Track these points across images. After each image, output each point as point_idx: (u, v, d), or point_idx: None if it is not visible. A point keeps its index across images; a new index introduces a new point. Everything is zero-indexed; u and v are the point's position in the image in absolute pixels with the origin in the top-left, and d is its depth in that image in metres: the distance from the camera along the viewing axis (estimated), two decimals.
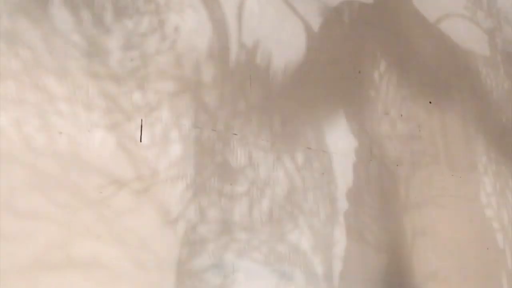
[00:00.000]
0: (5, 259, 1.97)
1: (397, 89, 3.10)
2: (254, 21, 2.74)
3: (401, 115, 3.07)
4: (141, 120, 2.35)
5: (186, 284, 2.29)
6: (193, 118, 2.47)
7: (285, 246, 2.54)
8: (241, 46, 2.67)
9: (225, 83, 2.59)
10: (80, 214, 2.13)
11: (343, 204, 2.74)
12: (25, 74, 2.15)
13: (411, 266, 2.87)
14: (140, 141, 2.33)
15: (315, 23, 2.93)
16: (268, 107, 2.67)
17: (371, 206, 2.83)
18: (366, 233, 2.78)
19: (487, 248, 3.15)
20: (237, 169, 2.52)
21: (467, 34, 3.51)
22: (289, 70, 2.77)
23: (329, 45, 2.94)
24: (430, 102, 3.20)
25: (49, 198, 2.09)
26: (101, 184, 2.20)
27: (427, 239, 2.95)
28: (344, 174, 2.79)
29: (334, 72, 2.91)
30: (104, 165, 2.22)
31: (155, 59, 2.43)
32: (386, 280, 2.78)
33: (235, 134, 2.55)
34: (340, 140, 2.82)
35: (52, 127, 2.15)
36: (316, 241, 2.61)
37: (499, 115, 3.49)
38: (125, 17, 2.40)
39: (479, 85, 3.45)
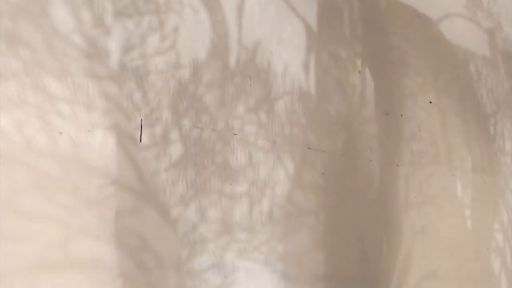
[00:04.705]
0: (6, 259, 1.97)
1: (397, 89, 3.11)
2: (254, 21, 2.74)
3: (401, 115, 3.07)
4: (141, 120, 2.35)
5: (186, 284, 2.30)
6: (193, 118, 2.47)
7: (285, 246, 2.54)
8: (241, 46, 2.67)
9: (225, 83, 2.59)
10: (80, 214, 2.14)
11: (343, 204, 2.74)
12: (26, 75, 2.15)
13: (411, 265, 2.88)
14: (140, 141, 2.33)
15: (315, 23, 2.93)
16: (268, 107, 2.67)
17: (371, 206, 2.84)
18: (366, 233, 2.78)
19: (487, 248, 3.15)
20: (237, 169, 2.52)
21: (467, 34, 3.51)
22: (289, 70, 2.78)
23: (329, 45, 2.94)
24: (430, 102, 3.20)
25: (50, 198, 2.09)
26: (101, 184, 2.20)
27: (426, 238, 2.95)
28: (344, 174, 2.79)
29: (334, 72, 2.92)
30: (104, 165, 2.22)
31: (155, 59, 2.44)
32: (386, 280, 2.78)
33: (235, 134, 2.56)
34: (339, 140, 2.83)
35: (52, 128, 2.16)
36: (316, 241, 2.62)
37: (499, 115, 3.49)
38: (125, 17, 2.40)
39: (479, 85, 3.46)
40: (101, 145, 2.23)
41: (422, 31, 3.33)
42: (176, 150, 2.40)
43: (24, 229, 2.04)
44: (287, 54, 2.79)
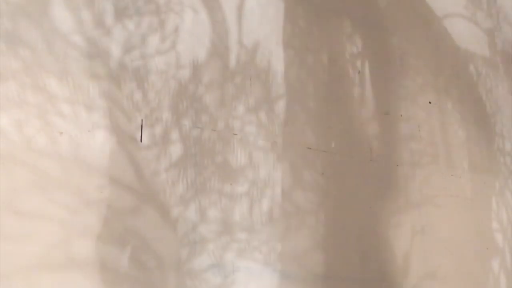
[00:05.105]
0: (6, 259, 1.98)
1: (397, 89, 3.11)
2: (254, 21, 2.74)
3: (401, 115, 3.07)
4: (142, 120, 2.35)
5: (186, 284, 2.30)
6: (193, 118, 2.47)
7: (285, 246, 2.54)
8: (241, 46, 2.67)
9: (225, 83, 2.59)
10: (80, 214, 2.14)
11: (343, 204, 2.74)
12: (26, 75, 2.15)
13: (411, 265, 2.88)
14: (141, 141, 2.33)
15: (315, 23, 2.93)
16: (268, 107, 2.67)
17: (371, 206, 2.84)
18: (366, 233, 2.78)
19: (487, 248, 3.15)
20: (237, 169, 2.52)
21: (467, 34, 3.51)
22: (289, 70, 2.78)
23: (329, 45, 2.94)
24: (430, 102, 3.20)
25: (50, 198, 2.09)
26: (101, 184, 2.20)
27: (426, 238, 2.95)
28: (344, 174, 2.79)
29: (334, 72, 2.92)
30: (104, 165, 2.22)
31: (155, 59, 2.44)
32: (386, 280, 2.78)
33: (235, 134, 2.56)
34: (339, 140, 2.83)
35: (52, 128, 2.16)
36: (316, 241, 2.62)
37: (499, 115, 3.50)
38: (125, 18, 2.40)
39: (478, 85, 3.46)
40: (101, 145, 2.23)
41: (422, 31, 3.33)
42: (176, 150, 2.40)
43: (24, 229, 2.04)
44: (287, 54, 2.79)
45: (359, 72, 3.00)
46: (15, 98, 2.11)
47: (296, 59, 2.81)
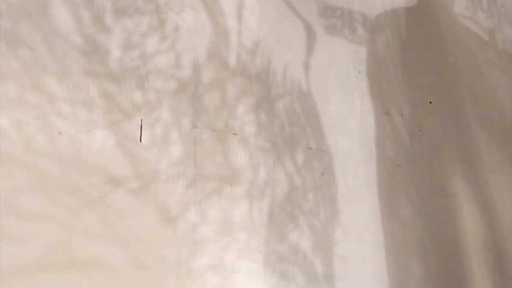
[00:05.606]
0: (6, 259, 1.98)
1: (397, 89, 3.11)
2: (254, 21, 2.74)
3: (401, 115, 3.07)
4: (141, 120, 2.35)
5: (186, 284, 2.30)
6: (193, 118, 2.47)
7: (285, 246, 2.54)
8: (241, 46, 2.67)
9: (225, 83, 2.59)
10: (80, 214, 2.14)
11: (343, 204, 2.74)
12: (25, 75, 2.15)
13: (410, 265, 2.87)
14: (140, 141, 2.33)
15: (315, 23, 2.93)
16: (268, 107, 2.67)
17: (371, 206, 2.84)
18: (366, 233, 2.78)
19: (488, 248, 3.15)
20: (237, 169, 2.52)
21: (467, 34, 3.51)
22: (289, 70, 2.78)
23: (330, 45, 2.95)
24: (430, 102, 3.20)
25: (50, 198, 2.10)
26: (101, 184, 2.20)
27: (426, 238, 2.95)
28: (344, 174, 2.79)
29: (334, 72, 2.92)
30: (104, 165, 2.22)
31: (155, 59, 2.44)
32: (385, 279, 2.78)
33: (235, 134, 2.56)
34: (340, 140, 2.83)
35: (52, 127, 2.16)
36: (316, 241, 2.62)
37: (499, 115, 3.49)
38: (125, 17, 2.40)
39: (479, 85, 3.46)
40: (101, 145, 2.23)
41: (423, 31, 3.33)
42: (176, 150, 2.40)
43: (24, 229, 2.04)
44: (287, 54, 2.79)
45: (359, 72, 3.00)
46: (15, 98, 2.11)
47: (296, 59, 2.81)
